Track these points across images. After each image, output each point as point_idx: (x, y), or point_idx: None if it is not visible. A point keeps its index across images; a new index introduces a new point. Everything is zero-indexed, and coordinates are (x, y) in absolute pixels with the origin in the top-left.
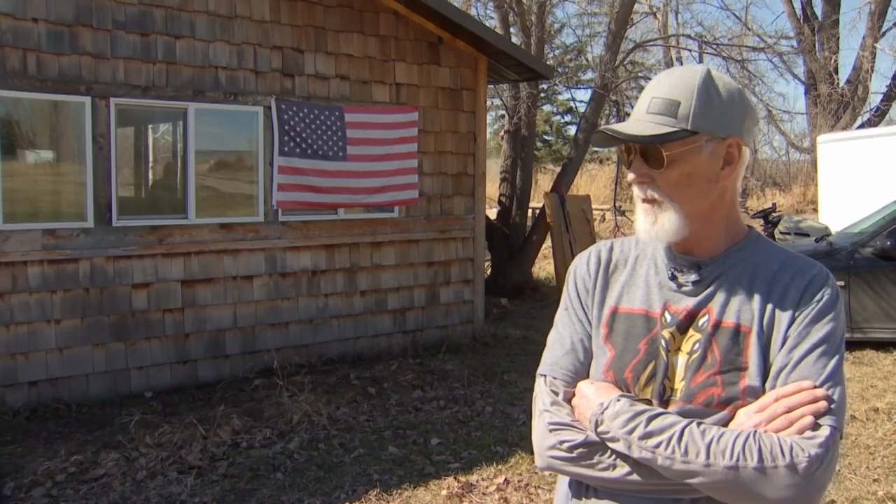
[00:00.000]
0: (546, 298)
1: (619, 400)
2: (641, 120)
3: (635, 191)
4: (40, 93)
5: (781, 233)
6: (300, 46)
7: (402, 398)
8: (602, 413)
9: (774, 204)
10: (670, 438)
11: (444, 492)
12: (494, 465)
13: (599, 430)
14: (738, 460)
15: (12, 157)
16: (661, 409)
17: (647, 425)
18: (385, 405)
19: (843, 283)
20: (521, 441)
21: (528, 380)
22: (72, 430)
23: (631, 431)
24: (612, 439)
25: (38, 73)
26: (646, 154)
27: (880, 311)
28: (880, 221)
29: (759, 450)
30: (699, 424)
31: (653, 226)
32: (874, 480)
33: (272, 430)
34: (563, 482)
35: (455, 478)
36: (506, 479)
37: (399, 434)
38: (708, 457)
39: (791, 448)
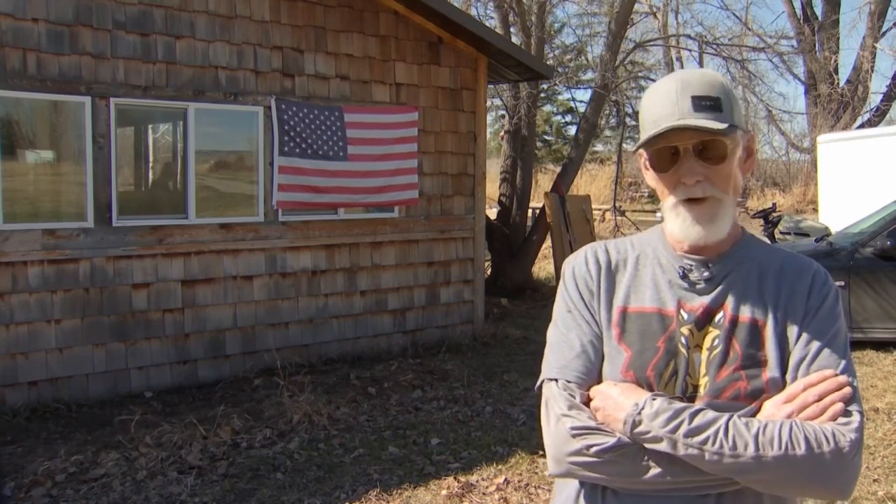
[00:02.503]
0: (546, 298)
1: (654, 399)
2: (692, 118)
3: (679, 193)
4: (40, 93)
5: (781, 233)
6: (300, 46)
7: (402, 398)
8: (639, 413)
9: (774, 204)
10: (717, 433)
11: (444, 492)
12: (494, 465)
13: (637, 430)
14: (787, 449)
15: (12, 157)
16: (698, 406)
17: (690, 422)
18: (385, 405)
19: (843, 283)
20: (521, 441)
21: (529, 380)
22: (72, 430)
23: (675, 430)
24: (654, 439)
25: (38, 73)
26: (702, 152)
27: (880, 311)
28: (880, 221)
29: (806, 437)
30: (740, 418)
31: (710, 225)
32: (874, 480)
33: (272, 430)
34: (568, 486)
35: (455, 478)
36: (506, 479)
37: (399, 434)
38: (757, 448)
39: (833, 434)
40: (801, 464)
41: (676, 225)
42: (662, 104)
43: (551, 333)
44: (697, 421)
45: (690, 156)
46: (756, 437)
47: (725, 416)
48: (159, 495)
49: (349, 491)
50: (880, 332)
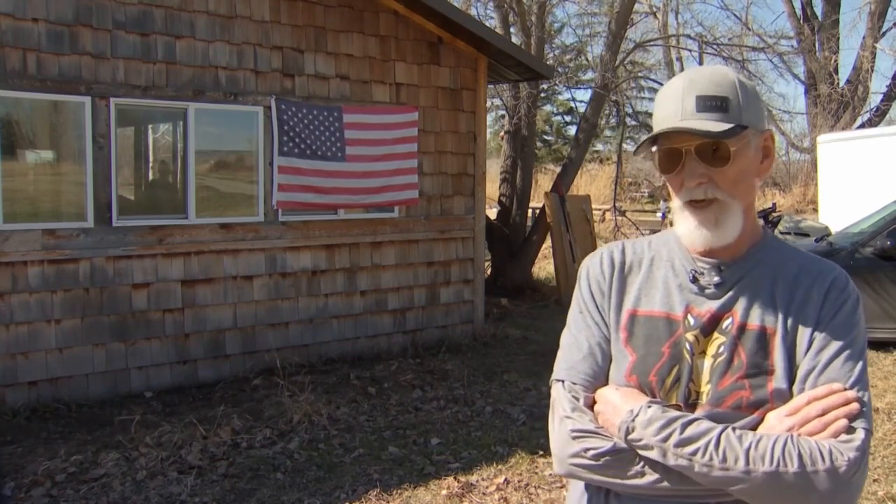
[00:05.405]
0: (546, 298)
1: (650, 406)
2: (693, 118)
3: (683, 195)
4: (40, 93)
5: (781, 233)
6: (300, 46)
7: (402, 398)
8: (633, 420)
9: (774, 204)
10: (707, 445)
11: (444, 492)
12: (494, 465)
13: (631, 437)
14: (778, 465)
15: (12, 157)
16: (693, 415)
17: (682, 432)
18: (385, 405)
19: None
20: (521, 441)
21: (528, 380)
22: (72, 430)
23: (666, 439)
24: (646, 447)
25: (38, 73)
26: (704, 153)
27: (880, 311)
28: (880, 221)
29: (799, 454)
30: (734, 430)
31: (715, 229)
32: (874, 480)
33: (272, 430)
34: (576, 487)
35: (455, 478)
36: (506, 479)
37: (399, 434)
38: (747, 463)
39: (830, 452)
40: (791, 482)
41: (683, 228)
42: (668, 104)
43: (564, 333)
44: (689, 431)
45: (692, 157)
46: (747, 451)
47: (719, 427)
48: (159, 495)
49: (349, 491)
50: (880, 332)
